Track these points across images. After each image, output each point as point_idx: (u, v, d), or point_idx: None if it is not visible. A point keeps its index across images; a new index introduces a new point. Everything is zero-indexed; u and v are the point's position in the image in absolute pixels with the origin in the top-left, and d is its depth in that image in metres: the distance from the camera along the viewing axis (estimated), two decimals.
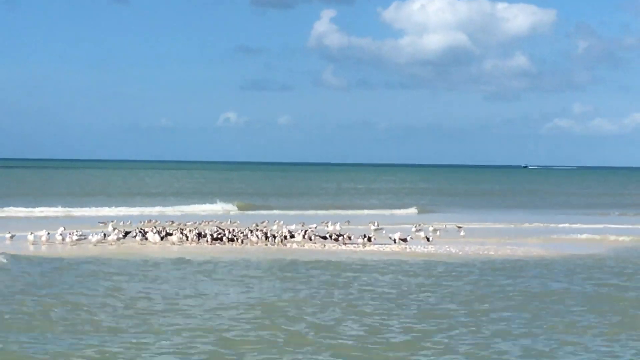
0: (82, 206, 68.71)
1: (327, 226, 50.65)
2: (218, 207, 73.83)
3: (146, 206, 71.66)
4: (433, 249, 41.96)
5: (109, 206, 68.99)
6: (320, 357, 18.98)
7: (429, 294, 27.45)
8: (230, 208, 74.45)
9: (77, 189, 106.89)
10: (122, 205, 70.30)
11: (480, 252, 40.48)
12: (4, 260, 33.16)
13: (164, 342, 19.94)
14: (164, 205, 73.80)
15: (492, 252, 40.52)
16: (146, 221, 51.72)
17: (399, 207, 78.20)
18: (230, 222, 52.53)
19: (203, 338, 20.44)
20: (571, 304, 25.73)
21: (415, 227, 50.40)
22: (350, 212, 69.41)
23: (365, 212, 72.07)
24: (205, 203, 76.00)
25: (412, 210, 74.56)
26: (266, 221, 52.05)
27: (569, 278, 31.30)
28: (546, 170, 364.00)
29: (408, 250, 41.37)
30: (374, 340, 20.56)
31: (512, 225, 58.05)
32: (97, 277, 29.78)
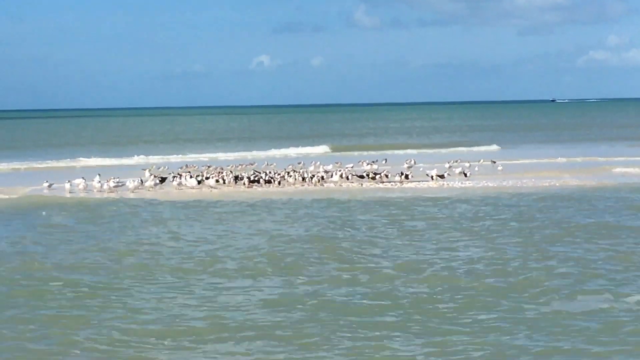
0: (129, 155, 67.06)
1: (363, 165, 50.57)
2: (316, 150, 73.78)
3: (227, 151, 71.69)
4: (471, 184, 41.80)
5: (174, 153, 68.83)
6: (402, 289, 19.20)
7: (475, 224, 27.76)
8: (324, 150, 74.28)
9: (119, 138, 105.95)
10: (195, 152, 70.55)
11: (519, 185, 40.43)
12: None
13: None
14: (246, 150, 72.95)
15: (530, 185, 40.45)
16: (184, 166, 51.89)
17: (479, 144, 76.57)
18: (267, 164, 52.57)
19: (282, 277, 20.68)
20: (617, 234, 25.59)
21: (449, 163, 50.15)
22: (432, 150, 69.54)
23: (444, 150, 71.37)
24: (298, 146, 75.96)
25: (494, 147, 73.47)
26: (302, 162, 52.05)
27: (608, 208, 31.12)
28: (575, 103, 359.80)
29: (445, 186, 41.27)
30: (436, 275, 20.62)
31: (556, 160, 56.92)
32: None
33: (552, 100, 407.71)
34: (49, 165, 59.38)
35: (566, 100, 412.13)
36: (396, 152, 68.36)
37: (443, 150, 71.15)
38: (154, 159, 63.72)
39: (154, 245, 25.20)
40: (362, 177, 44.10)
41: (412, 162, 51.99)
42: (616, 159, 55.66)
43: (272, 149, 73.10)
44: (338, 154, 68.28)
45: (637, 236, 25.01)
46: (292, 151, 71.99)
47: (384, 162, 53.23)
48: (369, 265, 21.88)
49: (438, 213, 30.90)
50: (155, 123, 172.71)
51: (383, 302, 17.96)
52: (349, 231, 27.12)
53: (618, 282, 19.41)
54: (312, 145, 77.07)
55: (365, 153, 66.70)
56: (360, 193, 38.62)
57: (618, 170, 48.59)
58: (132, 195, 39.21)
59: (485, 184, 41.25)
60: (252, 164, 52.42)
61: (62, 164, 60.40)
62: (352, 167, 48.51)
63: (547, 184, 40.74)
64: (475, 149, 72.41)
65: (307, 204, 34.10)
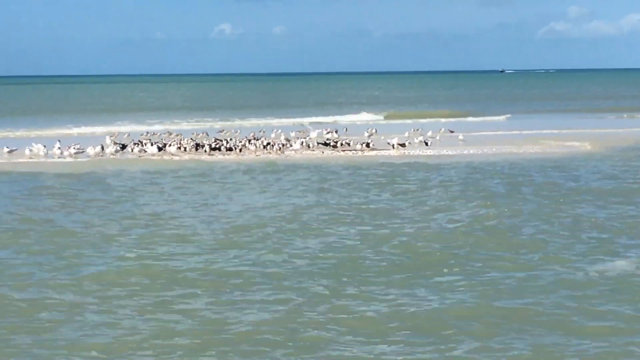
0: (106, 123, 64.31)
1: (324, 134, 50.63)
2: (365, 117, 73.46)
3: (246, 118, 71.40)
4: (431, 152, 42.12)
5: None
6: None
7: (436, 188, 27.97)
8: (375, 118, 73.54)
9: (89, 106, 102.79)
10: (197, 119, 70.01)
11: (480, 153, 41.15)
12: None
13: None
14: (277, 117, 71.90)
15: (489, 153, 41.03)
16: (144, 133, 51.64)
17: (490, 114, 75.95)
18: (232, 131, 52.35)
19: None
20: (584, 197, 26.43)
21: (409, 133, 50.09)
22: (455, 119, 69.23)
23: (465, 119, 70.96)
24: (349, 113, 75.66)
25: (502, 117, 73.10)
26: (263, 130, 51.98)
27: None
28: (523, 73, 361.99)
29: (406, 154, 41.56)
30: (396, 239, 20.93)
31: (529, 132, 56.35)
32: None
33: (501, 71, 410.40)
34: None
35: (510, 71, 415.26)
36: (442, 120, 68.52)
37: (464, 119, 70.48)
38: (143, 128, 60.13)
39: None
40: (325, 144, 44.26)
41: (374, 130, 52.15)
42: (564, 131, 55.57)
43: (320, 116, 72.50)
44: (395, 121, 67.98)
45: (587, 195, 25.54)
46: (350, 118, 71.54)
47: (344, 130, 53.34)
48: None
49: (388, 178, 31.20)
50: (122, 90, 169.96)
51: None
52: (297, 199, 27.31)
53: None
54: (365, 112, 76.92)
55: (410, 121, 65.64)
56: (319, 161, 38.85)
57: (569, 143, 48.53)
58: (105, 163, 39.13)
59: (446, 152, 41.66)
60: (221, 131, 52.12)
61: (23, 133, 57.94)
62: (315, 136, 48.51)
63: (504, 150, 41.57)
64: (486, 118, 72.26)
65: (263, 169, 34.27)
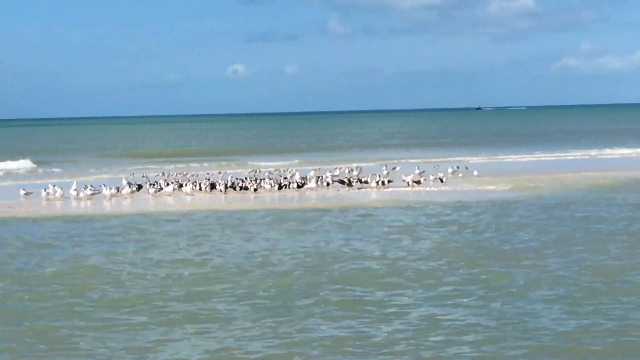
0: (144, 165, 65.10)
1: (338, 172, 50.42)
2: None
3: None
4: (446, 189, 42.05)
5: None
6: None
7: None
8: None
9: (117, 150, 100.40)
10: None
11: (490, 189, 41.25)
12: None
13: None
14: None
15: (505, 189, 40.92)
16: (160, 174, 51.76)
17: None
18: (249, 171, 52.25)
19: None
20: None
21: (418, 169, 49.69)
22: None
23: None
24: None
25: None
26: (280, 169, 52.06)
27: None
28: (500, 110, 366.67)
29: (422, 191, 41.47)
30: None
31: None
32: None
33: (478, 108, 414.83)
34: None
35: (488, 108, 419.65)
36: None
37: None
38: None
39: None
40: (342, 182, 44.33)
41: (392, 169, 51.97)
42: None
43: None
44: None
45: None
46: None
47: (359, 169, 53.11)
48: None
49: (403, 216, 31.25)
50: (137, 132, 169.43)
51: None
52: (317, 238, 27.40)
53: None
54: None
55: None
56: (335, 199, 38.81)
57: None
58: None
59: (462, 188, 41.62)
60: (252, 171, 51.52)
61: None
62: (330, 174, 48.25)
63: (520, 186, 41.41)
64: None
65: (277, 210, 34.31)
